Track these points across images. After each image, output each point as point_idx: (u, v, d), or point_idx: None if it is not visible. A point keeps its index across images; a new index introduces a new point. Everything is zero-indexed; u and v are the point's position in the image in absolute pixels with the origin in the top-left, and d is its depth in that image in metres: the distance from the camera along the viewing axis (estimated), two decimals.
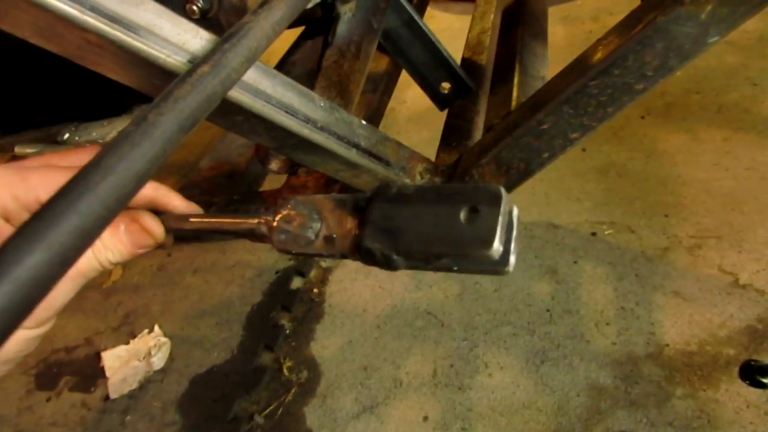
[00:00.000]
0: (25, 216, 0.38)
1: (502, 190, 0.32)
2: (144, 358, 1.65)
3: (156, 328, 1.73)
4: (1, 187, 0.37)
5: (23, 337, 0.39)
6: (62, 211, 0.25)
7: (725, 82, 1.95)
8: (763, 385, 0.89)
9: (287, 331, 1.62)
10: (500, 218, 0.32)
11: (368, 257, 0.39)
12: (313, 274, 1.77)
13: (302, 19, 1.19)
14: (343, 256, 0.41)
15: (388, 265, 0.38)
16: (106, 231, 0.43)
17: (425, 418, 1.29)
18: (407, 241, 0.36)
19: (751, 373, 0.89)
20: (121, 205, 0.27)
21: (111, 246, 0.42)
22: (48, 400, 1.65)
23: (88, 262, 0.41)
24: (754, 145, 1.67)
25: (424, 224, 0.35)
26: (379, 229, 0.37)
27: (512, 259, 0.33)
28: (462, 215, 0.33)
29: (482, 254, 0.32)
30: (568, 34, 2.48)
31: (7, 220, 0.38)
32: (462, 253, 0.33)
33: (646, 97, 2.05)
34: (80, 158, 0.45)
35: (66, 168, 0.42)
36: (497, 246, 0.32)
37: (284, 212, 0.43)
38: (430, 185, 0.36)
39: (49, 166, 0.42)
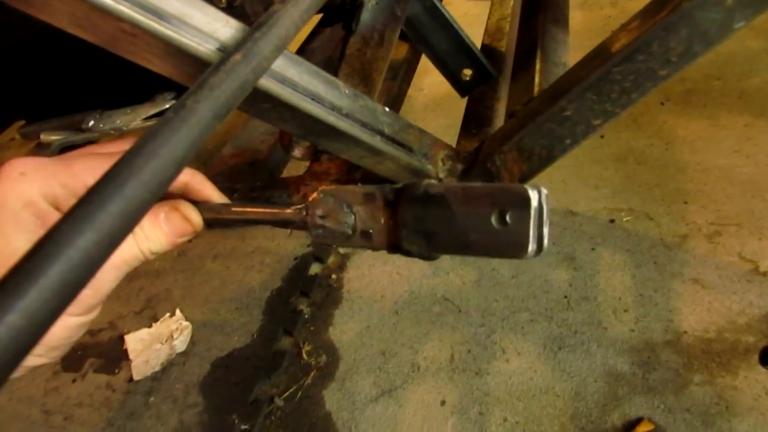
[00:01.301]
0: (74, 202, 0.40)
1: (529, 192, 0.33)
2: (166, 341, 1.68)
3: (177, 312, 1.77)
4: (49, 176, 0.38)
5: (71, 323, 0.40)
6: (109, 195, 0.26)
7: (747, 68, 1.92)
8: None
9: (306, 316, 1.64)
10: (531, 222, 0.33)
11: (406, 254, 0.40)
12: (331, 260, 1.79)
13: (321, 6, 1.20)
14: (378, 249, 0.42)
15: (423, 258, 0.40)
16: (146, 221, 0.45)
17: (443, 402, 1.31)
18: (443, 245, 0.38)
19: None
20: (163, 189, 0.28)
21: (152, 235, 0.43)
22: (74, 381, 1.69)
23: (131, 251, 0.43)
24: None
25: (458, 227, 0.36)
26: (414, 230, 0.39)
27: (546, 242, 0.34)
28: (493, 219, 0.34)
29: (517, 256, 0.34)
30: (586, 19, 2.46)
31: (57, 208, 0.39)
32: (497, 254, 0.35)
33: (666, 84, 2.02)
34: (119, 147, 0.46)
35: (107, 154, 0.43)
36: (531, 249, 0.33)
37: (317, 206, 0.45)
38: (456, 186, 0.37)
39: (92, 153, 0.43)
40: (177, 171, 0.30)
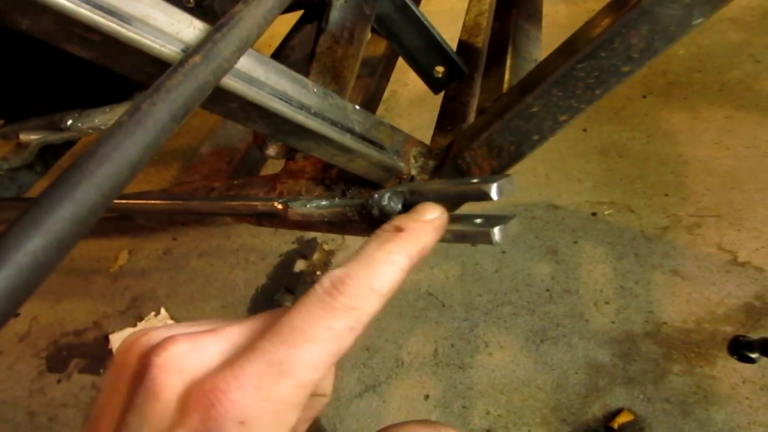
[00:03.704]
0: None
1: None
2: None
3: (162, 311, 1.76)
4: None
5: None
6: (59, 199, 0.26)
7: (728, 60, 1.94)
8: (750, 360, 0.91)
9: None
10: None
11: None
12: (316, 257, 1.79)
13: (301, 3, 1.20)
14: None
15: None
16: None
17: (426, 397, 1.32)
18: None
19: (738, 348, 0.91)
20: (115, 193, 0.29)
21: None
22: (59, 381, 1.69)
23: None
24: (756, 123, 1.67)
25: None
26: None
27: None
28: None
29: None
30: (570, 13, 2.47)
31: None
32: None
33: (648, 76, 2.03)
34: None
35: None
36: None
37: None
38: None
39: None
40: (132, 174, 0.30)
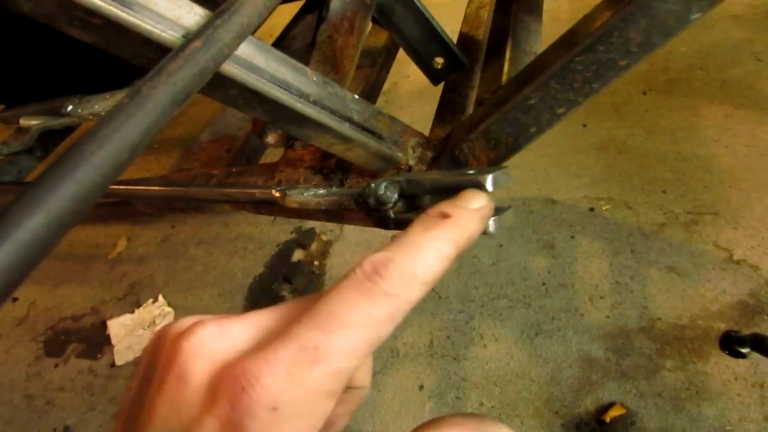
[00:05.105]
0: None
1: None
2: (149, 326, 1.69)
3: (160, 298, 1.77)
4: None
5: None
6: (60, 178, 0.27)
7: (730, 58, 1.94)
8: (741, 355, 0.92)
9: None
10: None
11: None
12: (314, 247, 1.79)
13: None
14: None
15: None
16: None
17: (421, 387, 1.33)
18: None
19: (729, 343, 0.91)
20: (115, 174, 0.29)
21: None
22: (56, 366, 1.69)
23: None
24: (756, 121, 1.67)
25: None
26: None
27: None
28: None
29: None
30: (572, 8, 2.46)
31: None
32: None
33: (649, 73, 2.03)
34: None
35: None
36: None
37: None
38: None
39: None
40: (132, 156, 0.31)
